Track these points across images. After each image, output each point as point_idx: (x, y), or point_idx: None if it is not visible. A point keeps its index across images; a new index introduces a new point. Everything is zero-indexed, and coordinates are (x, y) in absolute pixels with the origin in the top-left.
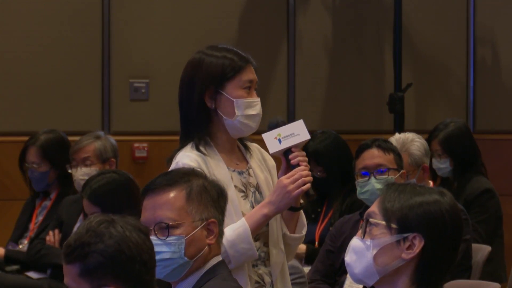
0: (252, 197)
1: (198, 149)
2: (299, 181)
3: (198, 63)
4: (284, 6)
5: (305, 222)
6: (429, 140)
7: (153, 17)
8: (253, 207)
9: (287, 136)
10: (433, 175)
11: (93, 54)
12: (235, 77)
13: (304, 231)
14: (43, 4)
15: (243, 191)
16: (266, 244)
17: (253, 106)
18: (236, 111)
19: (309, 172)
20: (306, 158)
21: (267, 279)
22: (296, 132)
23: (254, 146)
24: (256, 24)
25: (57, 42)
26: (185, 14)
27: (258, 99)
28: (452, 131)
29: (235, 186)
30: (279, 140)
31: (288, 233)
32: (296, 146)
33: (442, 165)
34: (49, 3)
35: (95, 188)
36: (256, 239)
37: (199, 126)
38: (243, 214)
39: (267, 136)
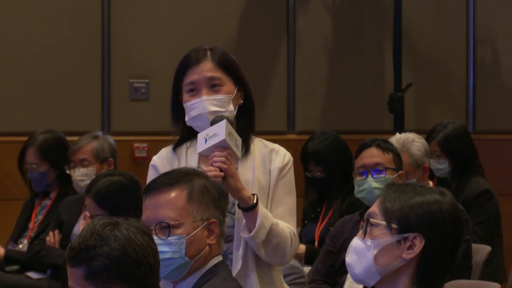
0: None
1: (174, 147)
2: None
3: None
4: (284, 6)
5: (257, 223)
6: (427, 141)
7: (153, 17)
8: None
9: (211, 136)
10: (431, 175)
11: (93, 54)
12: (181, 83)
13: (253, 233)
14: (43, 4)
15: None
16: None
17: (194, 108)
18: (186, 116)
19: (217, 174)
20: (222, 159)
21: None
22: (218, 132)
23: (263, 146)
24: (256, 24)
25: (57, 42)
26: (185, 14)
27: (200, 99)
28: (451, 132)
29: None
30: (205, 140)
31: (241, 234)
32: (217, 146)
33: (441, 166)
34: (49, 3)
35: (101, 189)
36: (229, 240)
37: (182, 131)
38: None
39: (200, 136)
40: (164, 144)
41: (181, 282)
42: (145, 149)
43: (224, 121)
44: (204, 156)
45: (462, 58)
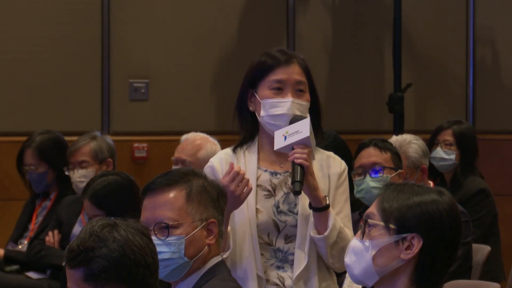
0: (282, 197)
1: (235, 148)
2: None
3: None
4: (284, 6)
5: (331, 224)
6: (438, 131)
7: (153, 17)
8: (278, 207)
9: (292, 134)
10: (431, 172)
11: (93, 54)
12: (264, 79)
13: (327, 233)
14: (43, 4)
15: (268, 190)
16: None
17: (279, 106)
18: (261, 112)
19: (304, 163)
20: (304, 156)
21: (288, 282)
22: (300, 130)
23: (319, 152)
24: (256, 24)
25: (57, 42)
26: (185, 14)
27: (288, 99)
28: (468, 129)
29: (259, 185)
30: (285, 137)
31: (312, 233)
32: (299, 143)
33: (448, 156)
34: (49, 3)
35: (97, 190)
36: (289, 240)
37: (245, 127)
38: (258, 210)
39: (277, 133)
40: (163, 144)
41: (181, 282)
42: (145, 149)
43: (308, 119)
44: (267, 156)
45: (462, 58)
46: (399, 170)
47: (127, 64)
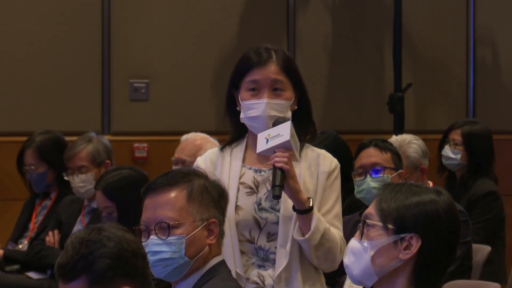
0: (265, 194)
1: (223, 147)
2: None
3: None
4: (284, 6)
5: (313, 226)
6: (449, 130)
7: (153, 17)
8: (259, 204)
9: (273, 137)
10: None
11: (93, 54)
12: (242, 80)
13: (308, 235)
14: (42, 4)
15: (250, 188)
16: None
17: (254, 108)
18: (241, 113)
19: (284, 166)
20: (285, 159)
21: (269, 281)
22: (281, 133)
23: (311, 151)
24: (256, 24)
25: (57, 42)
26: (185, 14)
27: (263, 101)
28: (479, 130)
29: (242, 183)
30: (267, 140)
31: (295, 236)
32: (279, 147)
33: (453, 155)
34: (48, 3)
35: (110, 182)
36: (271, 239)
37: (234, 126)
38: (238, 207)
39: (260, 136)
40: (164, 144)
41: (181, 282)
42: (145, 149)
43: (289, 123)
44: (254, 154)
45: (462, 58)
46: (400, 170)
47: (127, 64)
